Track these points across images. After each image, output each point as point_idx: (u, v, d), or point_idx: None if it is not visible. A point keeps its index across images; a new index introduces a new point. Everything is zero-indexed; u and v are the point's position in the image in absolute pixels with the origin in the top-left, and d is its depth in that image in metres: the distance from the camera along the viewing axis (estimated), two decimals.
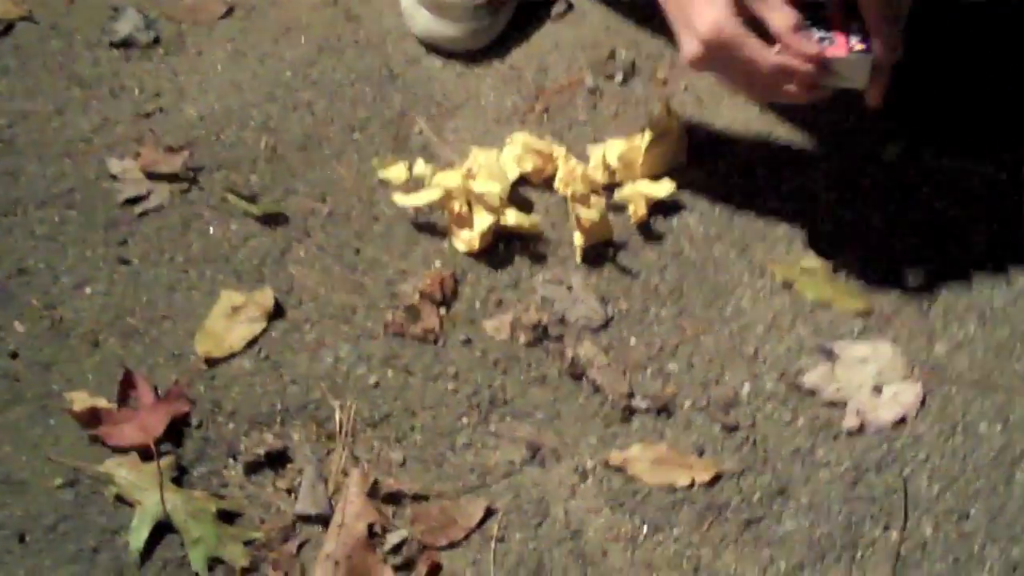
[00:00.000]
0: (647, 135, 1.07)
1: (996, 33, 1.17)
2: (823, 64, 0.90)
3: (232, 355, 1.00)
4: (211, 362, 1.00)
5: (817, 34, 0.92)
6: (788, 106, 1.07)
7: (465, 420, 0.97)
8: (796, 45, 0.89)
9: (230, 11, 1.24)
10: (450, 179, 1.05)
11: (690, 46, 0.90)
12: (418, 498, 0.94)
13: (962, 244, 1.05)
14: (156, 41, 1.22)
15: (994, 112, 1.13)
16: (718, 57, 0.89)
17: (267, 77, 1.19)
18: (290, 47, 1.21)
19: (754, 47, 0.88)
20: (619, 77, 1.17)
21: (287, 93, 1.17)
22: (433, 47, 1.19)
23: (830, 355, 0.99)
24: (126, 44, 1.21)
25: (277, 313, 1.03)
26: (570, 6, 1.24)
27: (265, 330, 1.02)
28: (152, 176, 1.11)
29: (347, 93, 1.17)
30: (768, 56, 0.89)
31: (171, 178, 1.11)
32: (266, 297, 1.03)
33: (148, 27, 1.22)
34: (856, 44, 0.92)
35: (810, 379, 0.97)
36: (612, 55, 1.19)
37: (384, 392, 0.98)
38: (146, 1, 1.25)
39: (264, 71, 1.19)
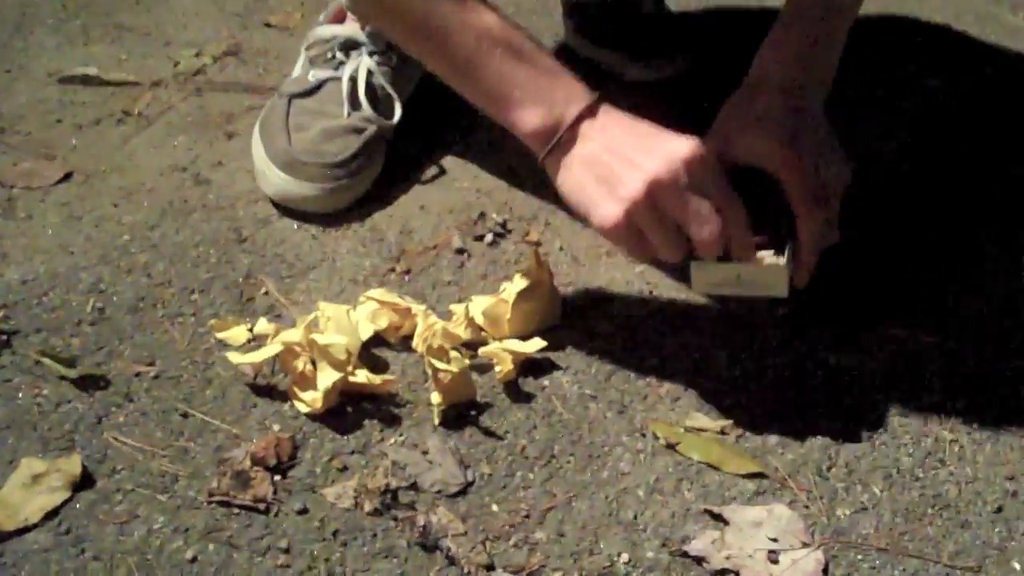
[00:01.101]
0: (515, 288, 1.04)
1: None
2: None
3: (26, 528, 0.92)
4: (1, 536, 0.91)
5: None
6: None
7: None
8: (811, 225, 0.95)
9: (68, 176, 1.22)
10: (292, 334, 1.00)
11: (656, 167, 0.89)
12: None
13: (862, 401, 1.02)
14: None
15: (888, 267, 1.13)
16: (684, 181, 0.89)
17: (102, 240, 1.15)
18: (130, 211, 1.19)
19: (725, 193, 0.90)
20: (489, 238, 1.16)
21: (122, 256, 1.14)
22: (288, 209, 1.18)
23: (719, 520, 0.93)
24: None
25: (85, 483, 0.95)
26: (441, 170, 1.24)
27: (68, 500, 0.94)
28: None
29: (189, 255, 1.14)
30: (739, 211, 0.91)
31: None
32: (72, 464, 0.95)
33: None
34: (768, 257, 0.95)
35: (697, 546, 0.91)
36: (482, 216, 1.18)
37: (202, 568, 0.90)
38: None
39: (99, 234, 1.16)
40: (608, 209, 0.91)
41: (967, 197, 1.22)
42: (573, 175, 0.93)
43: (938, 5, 1.54)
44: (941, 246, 1.17)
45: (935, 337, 1.07)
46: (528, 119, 0.93)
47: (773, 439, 0.99)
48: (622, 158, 0.90)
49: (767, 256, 0.96)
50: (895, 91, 1.36)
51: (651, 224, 0.91)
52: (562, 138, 0.92)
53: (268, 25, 1.46)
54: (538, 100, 0.92)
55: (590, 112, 0.92)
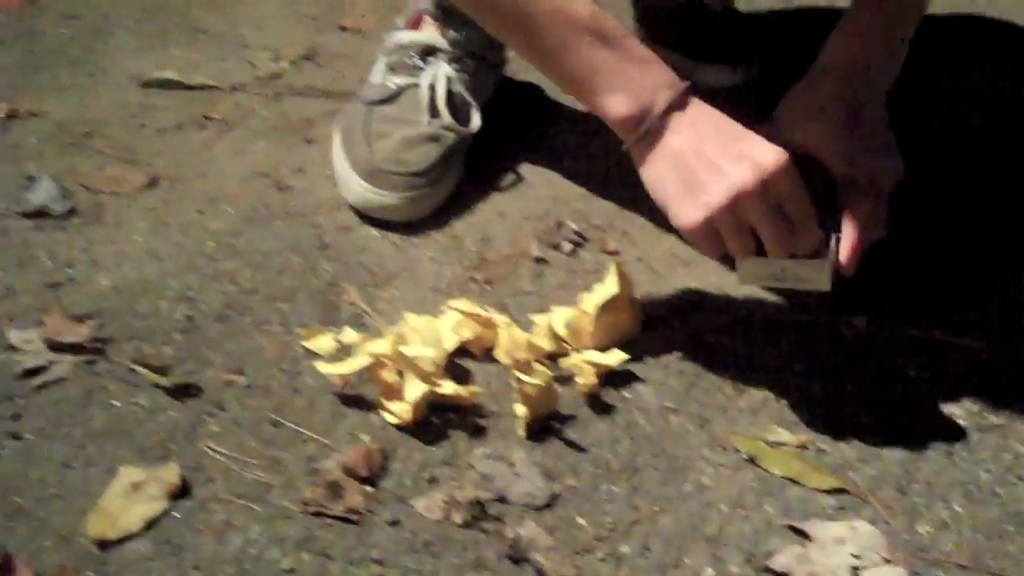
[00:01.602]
0: (596, 301, 1.06)
1: (964, 196, 1.19)
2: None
3: (128, 537, 0.94)
4: (103, 545, 0.94)
5: None
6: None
7: None
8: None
9: (153, 182, 1.25)
10: (380, 346, 1.02)
11: (743, 174, 0.90)
12: None
13: (940, 415, 1.03)
14: (72, 212, 1.21)
15: (959, 283, 1.13)
16: (767, 191, 0.90)
17: (188, 247, 1.18)
18: (215, 218, 1.21)
19: (806, 208, 0.92)
20: (567, 247, 1.17)
21: (208, 263, 1.16)
22: (369, 217, 1.20)
23: (802, 536, 0.94)
24: (39, 214, 1.21)
25: (183, 492, 0.97)
26: (518, 176, 1.25)
27: (167, 510, 0.96)
28: (56, 347, 1.08)
29: (274, 263, 1.16)
30: (812, 226, 0.93)
31: (76, 349, 1.08)
32: (171, 474, 0.98)
33: (64, 197, 1.22)
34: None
35: (780, 562, 0.92)
36: (559, 226, 1.19)
37: None
38: (64, 171, 1.25)
39: (186, 241, 1.18)
40: (690, 212, 0.93)
41: None
42: (658, 169, 0.95)
43: (1009, 5, 1.53)
44: (1006, 254, 1.17)
45: (1012, 348, 1.07)
46: (617, 105, 0.94)
47: (853, 454, 1.00)
48: (709, 162, 0.92)
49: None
50: (962, 95, 1.36)
51: (729, 229, 0.93)
52: (651, 127, 0.93)
53: (343, 28, 1.47)
54: (628, 87, 0.94)
55: (680, 103, 0.94)
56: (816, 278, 0.96)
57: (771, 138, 0.93)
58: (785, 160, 0.91)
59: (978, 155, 1.28)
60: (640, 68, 0.94)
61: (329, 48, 1.43)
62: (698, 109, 0.94)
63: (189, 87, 1.36)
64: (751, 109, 1.08)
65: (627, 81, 0.93)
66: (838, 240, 0.97)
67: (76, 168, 1.26)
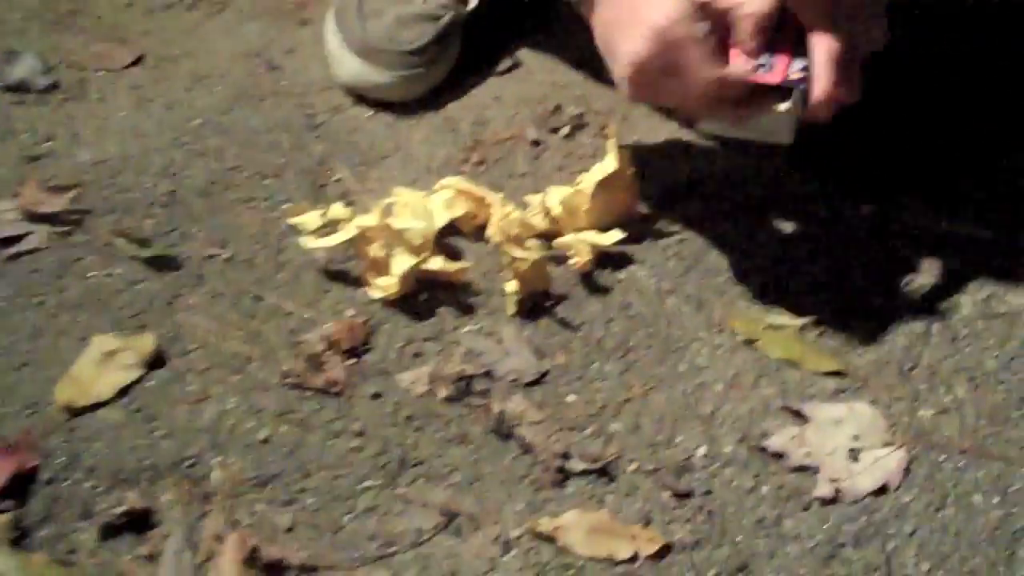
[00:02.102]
0: (594, 179, 1.01)
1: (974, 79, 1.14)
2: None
3: (98, 405, 0.91)
4: (72, 412, 0.91)
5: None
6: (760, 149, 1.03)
7: (369, 482, 0.87)
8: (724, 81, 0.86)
9: (139, 60, 1.20)
10: (367, 219, 0.98)
11: (633, 46, 0.85)
12: (306, 569, 0.83)
13: (946, 303, 0.98)
14: (54, 86, 1.17)
15: (971, 171, 1.09)
16: (660, 57, 0.85)
17: (174, 124, 1.13)
18: (202, 95, 1.17)
19: (706, 54, 0.84)
20: (565, 131, 1.12)
21: (194, 140, 1.12)
22: (361, 96, 1.15)
23: (799, 416, 0.91)
24: (19, 88, 1.16)
25: (158, 362, 0.94)
26: (516, 62, 1.20)
27: (141, 379, 0.93)
28: (31, 217, 1.04)
29: (261, 141, 1.12)
30: (716, 69, 0.85)
31: (52, 219, 1.04)
32: (145, 343, 0.94)
33: (46, 72, 1.18)
34: (795, 72, 0.87)
35: (776, 442, 0.89)
36: (558, 109, 1.15)
37: (275, 449, 0.89)
38: (48, 48, 1.21)
39: (171, 118, 1.14)
40: (616, 76, 0.89)
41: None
42: (594, 35, 0.91)
43: None
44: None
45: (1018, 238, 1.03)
46: None
47: (855, 338, 0.96)
48: (614, 32, 0.88)
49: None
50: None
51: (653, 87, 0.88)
52: None
53: None
54: None
55: None
56: (778, 129, 0.89)
57: None
58: (676, 13, 0.84)
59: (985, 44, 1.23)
60: None
61: None
62: None
63: None
64: None
65: None
66: (803, 92, 0.90)
67: (60, 45, 1.21)
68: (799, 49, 0.89)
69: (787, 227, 1.04)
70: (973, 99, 1.16)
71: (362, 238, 0.98)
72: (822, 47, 0.85)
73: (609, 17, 0.88)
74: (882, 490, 0.86)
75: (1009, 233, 1.04)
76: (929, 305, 0.98)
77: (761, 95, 0.87)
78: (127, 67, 1.19)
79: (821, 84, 0.85)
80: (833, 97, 0.86)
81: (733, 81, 0.85)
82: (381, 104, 1.15)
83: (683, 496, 0.86)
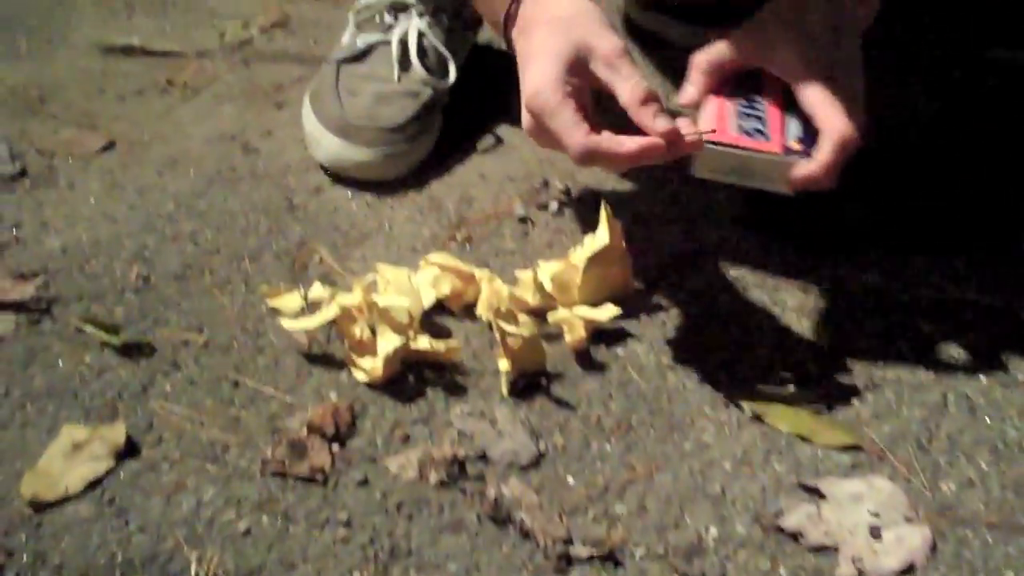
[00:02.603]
0: (586, 253, 0.98)
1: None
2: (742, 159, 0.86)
3: (67, 499, 0.85)
4: (39, 507, 0.85)
5: (747, 119, 0.88)
6: (753, 224, 1.00)
7: (357, 574, 0.81)
8: (646, 121, 0.84)
9: (110, 145, 1.17)
10: (350, 297, 0.94)
11: (523, 110, 0.87)
12: None
13: (961, 374, 0.94)
14: (22, 173, 1.13)
15: (979, 237, 1.06)
16: (538, 126, 0.86)
17: (146, 209, 1.09)
18: (176, 180, 1.13)
19: (564, 123, 0.84)
20: (553, 206, 1.09)
21: (167, 224, 1.08)
22: (341, 177, 1.12)
23: (815, 493, 0.86)
24: None
25: (130, 452, 0.88)
26: (498, 139, 1.17)
27: (111, 470, 0.87)
28: None
29: (238, 224, 1.08)
30: (577, 137, 0.83)
31: (19, 307, 0.99)
32: (116, 432, 0.89)
33: (13, 159, 1.14)
34: (793, 142, 0.86)
35: (791, 521, 0.84)
36: (545, 185, 1.11)
37: (256, 541, 0.83)
38: (15, 134, 1.17)
39: (143, 203, 1.10)
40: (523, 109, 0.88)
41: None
42: None
43: None
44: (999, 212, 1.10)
45: None
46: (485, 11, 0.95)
47: (867, 411, 0.92)
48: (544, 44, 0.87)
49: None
50: (950, 58, 1.29)
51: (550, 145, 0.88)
52: (508, 43, 0.93)
53: None
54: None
55: (510, 21, 0.92)
56: (778, 177, 0.87)
57: (741, 47, 0.90)
58: (535, 92, 0.85)
59: (989, 117, 1.21)
60: None
61: (303, 16, 1.36)
62: (521, 24, 0.91)
63: (153, 53, 1.28)
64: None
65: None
66: (806, 150, 0.87)
67: (28, 131, 1.18)
68: (793, 110, 0.88)
69: (789, 298, 1.01)
70: (979, 164, 1.13)
71: (345, 318, 0.94)
72: (836, 131, 0.85)
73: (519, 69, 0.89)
74: (909, 570, 0.81)
75: (1021, 299, 1.00)
76: (944, 375, 0.94)
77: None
78: (98, 153, 1.16)
79: (824, 169, 0.85)
80: (826, 183, 0.86)
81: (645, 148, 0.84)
82: (362, 184, 1.11)
83: None
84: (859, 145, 0.86)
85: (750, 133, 0.87)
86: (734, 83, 0.92)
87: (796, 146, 0.87)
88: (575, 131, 0.84)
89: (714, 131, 0.86)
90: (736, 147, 0.86)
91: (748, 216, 1.07)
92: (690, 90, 0.91)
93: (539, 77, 0.85)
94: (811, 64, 0.89)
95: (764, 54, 0.91)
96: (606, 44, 0.86)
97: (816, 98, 0.88)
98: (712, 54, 0.91)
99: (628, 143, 0.83)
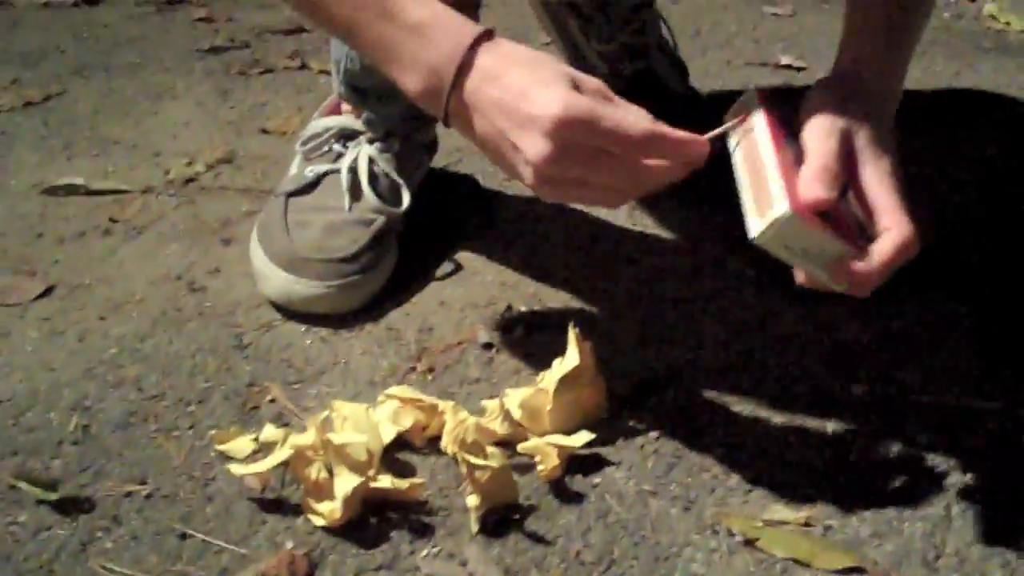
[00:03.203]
0: (555, 377, 0.93)
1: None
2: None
3: None
4: None
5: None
6: (731, 334, 0.95)
7: None
8: (672, 135, 0.78)
9: (49, 290, 1.12)
10: (304, 437, 0.88)
11: (536, 146, 0.77)
12: None
13: (964, 484, 0.89)
14: None
15: (964, 336, 1.02)
16: (571, 145, 0.77)
17: (86, 355, 1.04)
18: (119, 323, 1.08)
19: (614, 114, 0.77)
20: (518, 331, 1.04)
21: (109, 370, 1.02)
22: (293, 313, 1.07)
23: None
24: None
25: None
26: (458, 265, 1.13)
27: None
28: None
29: (185, 366, 1.02)
30: (641, 120, 0.77)
31: None
32: None
33: None
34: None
35: None
36: (508, 309, 1.07)
37: None
38: None
39: (83, 348, 1.05)
40: (525, 182, 0.81)
41: None
42: (479, 147, 0.84)
43: (990, 77, 1.47)
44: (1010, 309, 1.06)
45: None
46: (409, 83, 0.82)
47: (866, 530, 0.86)
48: (505, 139, 0.79)
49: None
50: (952, 161, 1.27)
51: (568, 188, 0.81)
52: (451, 107, 0.82)
53: (264, 131, 1.38)
54: (413, 63, 0.82)
55: (465, 70, 0.80)
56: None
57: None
58: (567, 104, 0.76)
59: (978, 214, 1.18)
60: (420, 40, 0.81)
61: (250, 151, 1.33)
62: (484, 72, 0.80)
63: (95, 192, 1.24)
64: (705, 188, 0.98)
65: (411, 56, 0.82)
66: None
67: None
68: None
69: (774, 414, 0.96)
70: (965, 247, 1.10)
71: (299, 459, 0.88)
72: (901, 232, 0.79)
73: (492, 130, 0.80)
74: None
75: (1018, 403, 0.96)
76: (944, 485, 0.89)
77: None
78: (35, 299, 1.11)
79: (882, 270, 0.79)
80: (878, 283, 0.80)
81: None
82: (316, 318, 1.06)
83: None
84: (918, 249, 0.80)
85: (820, 213, 0.79)
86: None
87: (859, 239, 0.81)
88: (634, 114, 0.78)
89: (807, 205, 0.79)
90: (820, 227, 0.79)
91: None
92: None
93: (559, 92, 0.77)
94: (883, 147, 0.83)
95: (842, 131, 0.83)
96: (590, 79, 0.80)
97: (883, 190, 0.81)
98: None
99: (684, 133, 0.78)
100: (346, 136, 1.13)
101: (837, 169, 0.80)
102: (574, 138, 0.76)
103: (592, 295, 1.09)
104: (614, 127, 0.77)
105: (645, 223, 1.20)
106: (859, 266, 0.79)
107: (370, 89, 1.10)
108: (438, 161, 1.23)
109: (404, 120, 1.12)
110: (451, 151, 1.28)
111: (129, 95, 1.47)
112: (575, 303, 1.08)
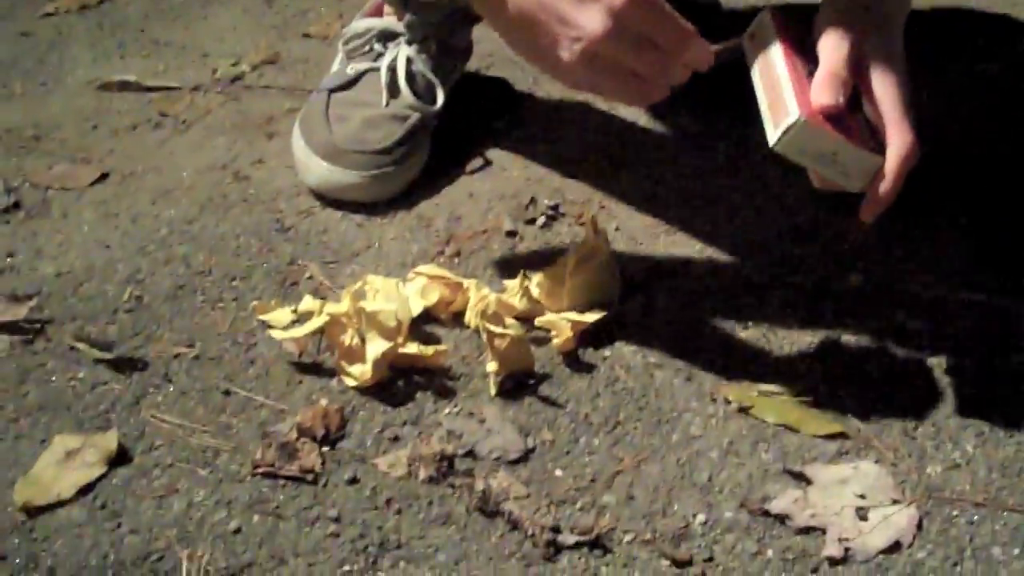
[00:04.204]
0: (572, 259, 1.01)
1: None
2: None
3: (60, 503, 0.88)
4: (32, 512, 0.88)
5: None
6: (735, 234, 1.03)
7: (348, 567, 0.84)
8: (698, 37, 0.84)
9: (103, 176, 1.22)
10: (338, 305, 0.98)
11: (594, 20, 0.80)
12: None
13: (947, 366, 0.97)
14: (16, 205, 1.18)
15: (960, 237, 1.09)
16: (628, 27, 0.80)
17: (139, 235, 1.14)
18: (168, 207, 1.17)
19: (670, 8, 0.82)
20: (540, 221, 1.13)
21: (160, 248, 1.12)
22: (331, 200, 1.16)
23: (801, 479, 0.88)
24: None
25: (121, 459, 0.92)
26: (487, 161, 1.22)
27: (103, 476, 0.90)
28: None
29: (230, 246, 1.12)
30: (684, 22, 0.82)
31: (12, 328, 1.03)
32: (108, 440, 0.92)
33: (7, 192, 1.19)
34: (868, 138, 0.88)
35: (778, 505, 0.86)
36: (532, 201, 1.16)
37: (247, 539, 0.86)
38: (10, 170, 1.22)
39: (136, 230, 1.15)
40: (557, 71, 0.85)
41: None
42: (511, 30, 0.86)
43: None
44: (1010, 219, 1.13)
45: (1018, 301, 1.03)
46: None
47: (852, 402, 0.95)
48: (554, 13, 0.82)
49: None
50: (953, 79, 1.34)
51: (604, 72, 0.84)
52: None
53: (307, 36, 1.46)
54: None
55: None
56: (860, 173, 0.87)
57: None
58: None
59: (977, 129, 1.25)
60: None
61: (292, 54, 1.42)
62: None
63: (147, 89, 1.34)
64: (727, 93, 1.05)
65: None
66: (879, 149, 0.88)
67: (23, 167, 1.23)
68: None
69: (775, 300, 1.04)
70: (966, 158, 1.17)
71: (334, 325, 0.97)
72: (904, 144, 0.86)
73: (534, 3, 0.82)
74: (895, 547, 0.84)
75: (1007, 295, 1.03)
76: (928, 367, 0.97)
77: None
78: (91, 185, 1.20)
79: (895, 181, 0.86)
80: (912, 160, 0.87)
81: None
82: (352, 206, 1.15)
83: (683, 564, 0.83)
84: (919, 157, 0.87)
85: (833, 119, 0.87)
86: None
87: (871, 143, 0.88)
88: (678, 19, 0.82)
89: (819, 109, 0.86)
90: (833, 133, 0.86)
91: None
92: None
93: None
94: (892, 58, 0.89)
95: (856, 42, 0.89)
96: None
97: (889, 99, 0.88)
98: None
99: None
100: (386, 37, 1.21)
101: (845, 76, 0.87)
102: (635, 19, 0.81)
103: (611, 191, 1.17)
104: (674, 18, 0.83)
105: (661, 128, 1.28)
106: (877, 183, 0.87)
107: None
108: (471, 65, 1.31)
109: (442, 24, 1.20)
110: (483, 56, 1.36)
111: (179, 1, 1.56)
112: (595, 197, 1.16)
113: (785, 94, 0.87)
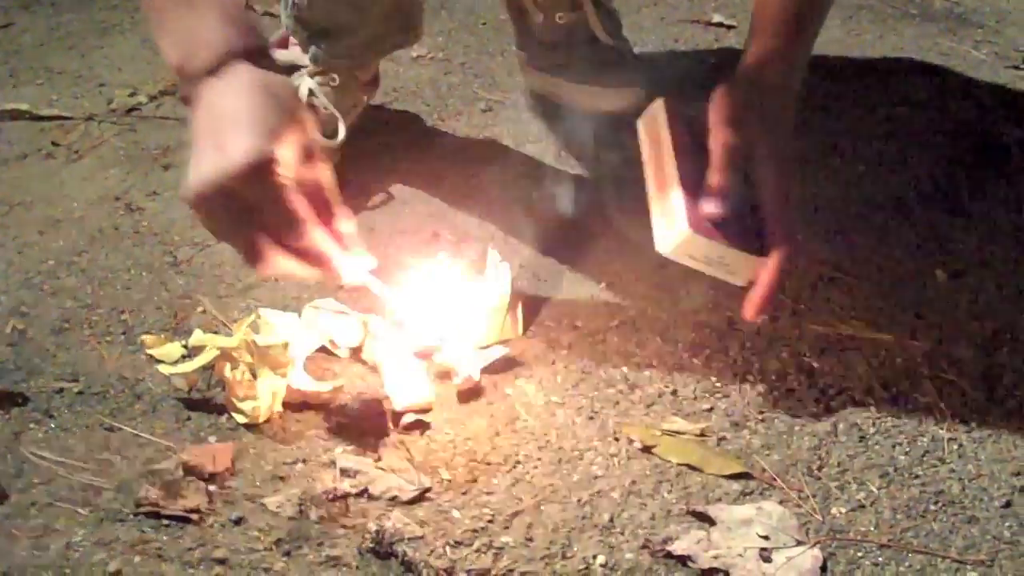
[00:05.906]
0: (476, 298, 1.00)
1: None
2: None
3: None
4: None
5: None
6: (641, 273, 1.03)
7: None
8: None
9: None
10: (229, 340, 0.95)
11: (207, 169, 0.79)
12: None
13: (850, 405, 0.97)
14: None
15: (865, 279, 1.10)
16: (243, 188, 0.79)
17: (24, 266, 1.10)
18: (57, 238, 1.14)
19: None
20: (442, 255, 1.11)
21: (46, 280, 1.08)
22: None
23: (704, 519, 0.87)
24: None
25: None
26: (390, 196, 1.20)
27: None
28: None
29: (120, 279, 1.09)
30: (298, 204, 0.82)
31: None
32: None
33: None
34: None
35: (681, 546, 0.85)
36: (435, 236, 1.14)
37: None
38: None
39: (22, 260, 1.11)
40: (185, 188, 0.81)
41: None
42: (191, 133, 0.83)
43: (912, 41, 1.54)
44: (914, 252, 1.14)
45: (921, 341, 1.03)
46: (168, 50, 0.83)
47: (757, 441, 0.94)
48: (200, 146, 0.80)
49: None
50: (868, 117, 1.35)
51: (219, 217, 0.84)
52: (193, 90, 0.82)
53: None
54: (182, 36, 0.83)
55: (218, 68, 0.81)
56: (744, 271, 0.91)
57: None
58: (255, 159, 0.78)
59: (889, 161, 1.26)
60: (199, 19, 0.83)
61: None
62: (229, 80, 0.82)
63: (39, 118, 1.30)
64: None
65: (184, 30, 0.83)
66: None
67: None
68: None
69: (680, 338, 1.03)
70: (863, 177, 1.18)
71: (225, 361, 0.94)
72: (779, 252, 0.89)
73: (202, 129, 0.81)
74: None
75: (906, 331, 1.04)
76: (833, 406, 0.97)
77: None
78: None
79: (774, 280, 0.90)
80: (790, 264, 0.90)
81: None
82: None
83: None
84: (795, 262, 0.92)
85: (719, 224, 0.90)
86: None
87: (755, 242, 0.91)
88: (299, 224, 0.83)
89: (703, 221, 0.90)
90: (719, 240, 0.89)
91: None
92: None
93: (250, 152, 0.79)
94: (777, 159, 0.91)
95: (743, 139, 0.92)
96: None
97: (772, 202, 0.91)
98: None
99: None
100: (290, 69, 1.19)
101: (733, 180, 0.90)
102: (244, 184, 0.79)
103: (515, 229, 1.15)
104: (287, 199, 0.81)
105: (568, 168, 1.27)
106: (750, 296, 0.91)
107: (317, 26, 1.16)
108: (377, 99, 1.29)
109: (347, 57, 1.19)
110: (389, 91, 1.35)
111: (76, 29, 1.53)
112: (499, 232, 1.15)
113: (674, 201, 0.91)
